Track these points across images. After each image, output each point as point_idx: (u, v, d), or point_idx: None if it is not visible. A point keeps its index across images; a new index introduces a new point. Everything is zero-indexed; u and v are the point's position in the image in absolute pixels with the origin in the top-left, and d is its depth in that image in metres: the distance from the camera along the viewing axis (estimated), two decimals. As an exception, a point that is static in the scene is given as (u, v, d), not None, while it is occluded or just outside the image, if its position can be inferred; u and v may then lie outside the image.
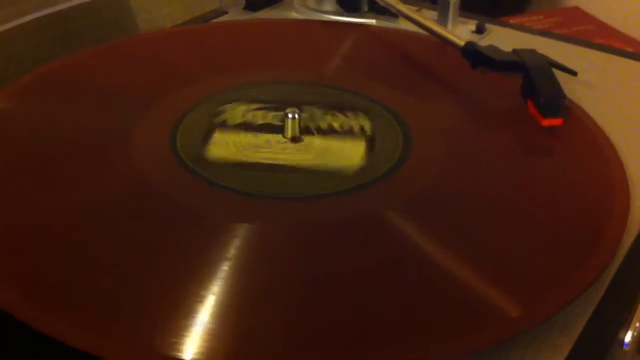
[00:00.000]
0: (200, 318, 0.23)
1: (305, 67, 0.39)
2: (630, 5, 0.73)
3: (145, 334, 0.22)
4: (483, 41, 0.44)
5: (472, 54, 0.35)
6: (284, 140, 0.32)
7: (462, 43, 0.36)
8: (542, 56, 0.34)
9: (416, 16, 0.40)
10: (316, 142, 0.32)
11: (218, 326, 0.22)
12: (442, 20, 0.45)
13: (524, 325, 0.23)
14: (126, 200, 0.28)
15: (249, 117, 0.34)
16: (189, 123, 0.33)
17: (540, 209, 0.29)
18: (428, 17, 0.43)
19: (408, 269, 0.25)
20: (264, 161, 0.31)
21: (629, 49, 0.59)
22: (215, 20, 0.47)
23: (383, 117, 0.33)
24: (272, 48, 0.41)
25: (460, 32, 0.45)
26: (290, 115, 0.32)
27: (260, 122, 0.33)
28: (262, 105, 0.34)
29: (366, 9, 0.47)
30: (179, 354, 0.21)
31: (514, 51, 0.35)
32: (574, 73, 0.35)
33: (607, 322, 0.26)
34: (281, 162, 0.30)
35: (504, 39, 0.45)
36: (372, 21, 0.46)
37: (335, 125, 0.32)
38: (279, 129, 0.32)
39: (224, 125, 0.33)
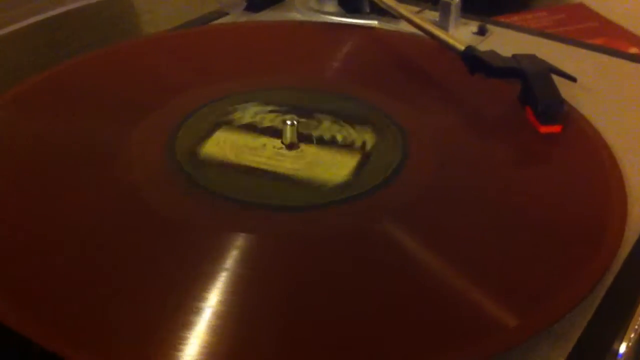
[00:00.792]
0: (197, 329, 0.23)
1: (320, 73, 0.39)
2: (635, 2, 0.73)
3: (142, 346, 0.23)
4: (485, 43, 0.44)
5: (471, 60, 0.35)
6: (281, 146, 0.32)
7: (462, 48, 0.36)
8: (542, 62, 0.34)
9: (416, 19, 0.40)
10: (310, 151, 0.32)
11: (214, 338, 0.23)
12: (444, 22, 0.45)
13: (517, 338, 0.23)
14: (118, 207, 0.28)
15: (257, 118, 0.34)
16: (196, 120, 0.34)
17: (537, 218, 0.29)
18: (429, 19, 0.43)
19: (397, 279, 0.25)
20: (251, 164, 0.31)
21: (633, 48, 0.59)
22: (216, 21, 0.47)
23: (389, 132, 0.33)
24: (282, 51, 0.41)
25: (462, 33, 0.45)
26: (288, 122, 0.32)
27: (267, 125, 0.33)
28: (275, 108, 0.35)
29: (368, 10, 0.47)
30: None
31: (514, 56, 0.35)
32: (573, 79, 0.35)
33: (602, 333, 0.26)
34: (267, 168, 0.31)
35: (505, 40, 0.45)
36: (374, 22, 0.46)
37: (338, 137, 0.32)
38: (280, 134, 0.32)
39: (229, 124, 0.33)
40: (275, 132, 0.33)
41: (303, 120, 0.33)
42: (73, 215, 0.28)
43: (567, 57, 0.41)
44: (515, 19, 0.68)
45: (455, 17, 0.45)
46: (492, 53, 0.35)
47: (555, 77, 0.34)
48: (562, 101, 0.32)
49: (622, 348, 0.26)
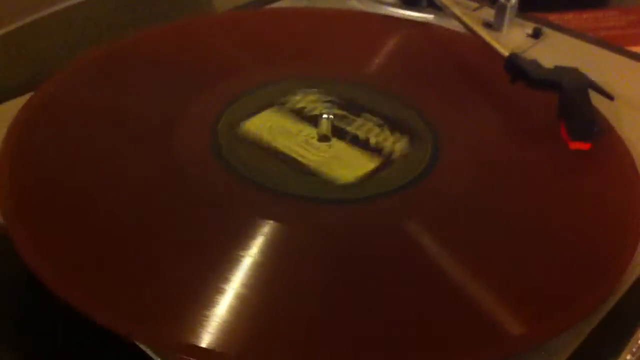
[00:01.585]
0: (220, 309, 0.25)
1: (381, 70, 0.40)
2: None
3: (169, 320, 0.25)
4: (537, 47, 0.44)
5: (513, 68, 0.36)
6: (314, 136, 0.33)
7: (506, 54, 0.37)
8: (583, 77, 0.35)
9: (466, 18, 0.40)
10: (338, 146, 0.33)
11: (235, 317, 0.25)
12: (499, 22, 0.45)
13: (522, 344, 0.25)
14: (161, 185, 0.30)
15: (309, 106, 0.35)
16: (254, 98, 0.36)
17: (558, 231, 0.29)
18: (483, 18, 0.43)
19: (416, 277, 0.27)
20: (279, 148, 0.32)
21: None
22: (275, 4, 0.48)
23: (424, 143, 0.34)
24: (347, 41, 0.42)
25: (515, 35, 0.45)
26: (325, 116, 0.34)
27: (314, 113, 0.35)
28: (330, 99, 0.36)
29: (425, 3, 0.48)
30: (197, 341, 0.24)
31: (556, 68, 0.36)
32: (611, 98, 0.35)
33: (597, 352, 0.27)
34: (291, 154, 0.32)
35: (558, 45, 0.45)
36: (431, 17, 0.47)
37: (372, 139, 0.33)
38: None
39: (281, 106, 0.35)
40: (316, 122, 0.34)
41: (350, 116, 0.35)
42: (115, 184, 0.30)
43: (620, 69, 0.41)
44: (585, 16, 0.67)
45: (510, 18, 0.45)
46: (535, 63, 0.36)
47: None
48: (594, 122, 0.32)
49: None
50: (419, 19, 0.47)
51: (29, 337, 0.28)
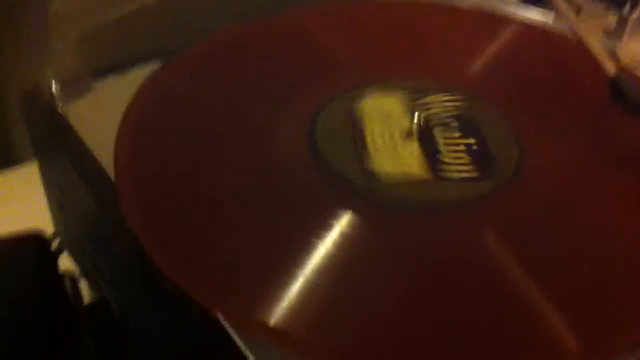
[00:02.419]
0: (292, 291, 0.27)
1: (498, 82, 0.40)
2: None
3: (247, 298, 0.28)
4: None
5: (615, 87, 0.36)
6: (402, 128, 0.35)
7: (612, 71, 0.37)
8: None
9: (579, 26, 0.40)
10: (411, 146, 0.34)
11: (307, 299, 0.27)
12: (618, 33, 0.44)
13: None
14: (255, 175, 0.33)
15: (435, 108, 0.36)
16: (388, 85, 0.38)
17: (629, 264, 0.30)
18: (602, 26, 0.43)
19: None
20: (364, 129, 0.34)
21: None
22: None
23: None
24: (471, 44, 0.43)
25: (635, 47, 0.44)
26: (416, 113, 0.35)
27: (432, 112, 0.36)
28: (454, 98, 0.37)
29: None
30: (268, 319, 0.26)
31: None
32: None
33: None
34: (368, 139, 0.34)
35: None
36: (549, 19, 0.46)
37: (444, 158, 0.34)
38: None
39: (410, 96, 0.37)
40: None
41: (452, 131, 0.35)
42: (217, 174, 0.33)
43: None
44: None
45: (631, 30, 0.44)
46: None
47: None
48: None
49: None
50: (540, 17, 0.46)
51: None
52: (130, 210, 0.31)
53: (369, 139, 0.34)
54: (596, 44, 0.38)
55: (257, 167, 0.33)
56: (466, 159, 0.33)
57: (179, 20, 0.43)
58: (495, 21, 0.45)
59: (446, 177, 0.32)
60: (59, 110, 0.39)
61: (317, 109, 0.36)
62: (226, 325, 0.28)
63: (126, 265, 0.34)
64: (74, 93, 0.40)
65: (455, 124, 0.35)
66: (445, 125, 0.35)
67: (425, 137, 0.35)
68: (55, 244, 0.42)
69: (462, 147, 0.34)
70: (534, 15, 0.47)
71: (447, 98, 0.37)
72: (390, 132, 0.35)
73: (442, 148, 0.34)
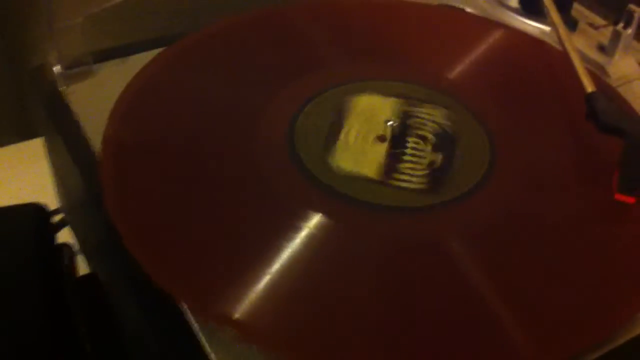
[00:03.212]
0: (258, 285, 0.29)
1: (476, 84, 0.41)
2: None
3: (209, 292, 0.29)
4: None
5: (589, 105, 0.36)
6: (379, 129, 0.36)
7: (589, 90, 0.37)
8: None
9: (566, 41, 0.40)
10: (379, 148, 0.36)
11: (268, 294, 0.29)
12: (612, 48, 0.44)
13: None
14: (234, 171, 0.35)
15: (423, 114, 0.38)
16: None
17: (585, 271, 0.31)
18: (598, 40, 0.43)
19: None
20: (347, 126, 0.36)
21: None
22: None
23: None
24: (439, 40, 0.44)
25: (626, 64, 0.44)
26: (390, 122, 0.36)
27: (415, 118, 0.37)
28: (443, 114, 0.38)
29: (547, 14, 0.47)
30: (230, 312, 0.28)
31: (632, 116, 0.35)
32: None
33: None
34: (343, 135, 0.36)
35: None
36: (547, 29, 0.47)
37: (408, 152, 0.36)
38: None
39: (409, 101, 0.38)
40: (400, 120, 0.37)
41: (424, 142, 0.36)
42: (196, 166, 0.35)
43: None
44: None
45: (624, 45, 0.44)
46: (613, 107, 0.36)
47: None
48: (638, 183, 0.33)
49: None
50: (537, 29, 0.47)
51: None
52: (108, 190, 0.32)
53: (343, 134, 0.36)
54: (578, 60, 0.39)
55: (236, 153, 0.35)
56: (423, 172, 0.35)
57: (180, 9, 0.45)
58: (492, 29, 0.46)
59: (393, 184, 0.34)
60: (60, 90, 0.41)
61: (306, 100, 0.38)
62: (187, 313, 0.29)
63: (102, 242, 0.36)
64: (75, 75, 0.42)
65: (432, 138, 0.36)
66: (423, 138, 0.36)
67: (398, 144, 0.36)
68: (57, 218, 0.44)
69: (425, 161, 0.35)
70: (535, 24, 0.47)
71: (436, 112, 0.38)
72: (367, 131, 0.36)
73: (407, 157, 0.35)
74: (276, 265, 0.30)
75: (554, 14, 0.42)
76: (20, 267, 0.37)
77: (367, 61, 0.42)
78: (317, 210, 0.32)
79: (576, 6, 0.49)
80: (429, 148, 0.36)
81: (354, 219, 0.32)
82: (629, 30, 0.43)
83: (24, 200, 0.40)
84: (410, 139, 0.36)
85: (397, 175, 0.34)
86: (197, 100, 0.39)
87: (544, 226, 0.33)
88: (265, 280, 0.29)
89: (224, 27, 0.43)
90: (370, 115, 0.37)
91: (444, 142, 0.36)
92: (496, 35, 0.45)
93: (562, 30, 0.41)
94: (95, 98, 0.40)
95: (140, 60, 0.42)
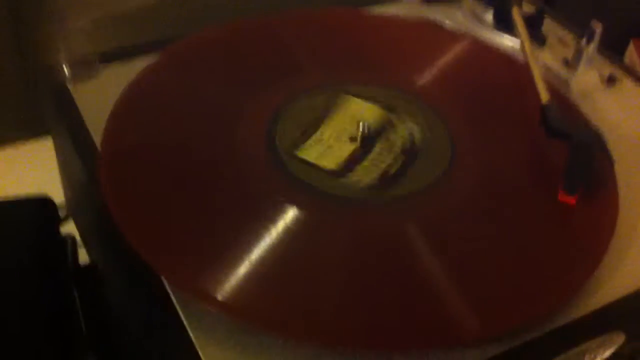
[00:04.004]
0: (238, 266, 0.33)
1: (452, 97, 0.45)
2: None
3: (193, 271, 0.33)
4: (607, 93, 0.47)
5: (543, 115, 0.40)
6: (353, 132, 0.40)
7: (544, 100, 0.41)
8: (597, 137, 0.38)
9: (529, 52, 0.44)
10: (348, 146, 0.40)
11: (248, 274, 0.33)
12: (575, 63, 0.48)
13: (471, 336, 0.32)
14: (218, 166, 0.39)
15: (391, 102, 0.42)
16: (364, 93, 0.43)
17: (528, 257, 0.35)
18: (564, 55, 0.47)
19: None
20: (322, 124, 0.40)
21: None
22: (384, 6, 0.54)
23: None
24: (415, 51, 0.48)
25: (590, 78, 0.48)
26: (361, 125, 0.40)
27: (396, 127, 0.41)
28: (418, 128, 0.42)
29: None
30: (211, 292, 0.32)
31: (578, 124, 0.39)
32: (611, 162, 0.38)
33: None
34: (315, 130, 0.40)
35: (628, 97, 0.47)
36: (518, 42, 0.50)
37: (376, 152, 0.40)
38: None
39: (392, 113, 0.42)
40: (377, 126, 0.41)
41: (398, 149, 0.40)
42: (185, 157, 0.39)
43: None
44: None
45: (587, 61, 0.48)
46: (563, 117, 0.39)
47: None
48: (582, 185, 0.36)
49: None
50: (510, 43, 0.51)
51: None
52: (105, 176, 0.37)
53: (320, 131, 0.40)
54: (537, 72, 0.42)
55: (220, 140, 0.39)
56: (377, 174, 0.38)
57: (181, 15, 0.49)
58: (467, 43, 0.50)
59: (345, 179, 0.38)
60: (67, 88, 0.45)
61: (292, 96, 0.42)
62: (168, 288, 0.33)
63: (97, 226, 0.40)
64: (82, 75, 0.46)
65: (398, 149, 0.40)
66: (390, 146, 0.40)
67: (367, 146, 0.40)
68: (63, 211, 0.48)
69: (382, 165, 0.39)
70: (508, 39, 0.51)
71: (411, 121, 0.42)
72: (341, 131, 0.40)
73: (368, 158, 0.39)
74: (243, 243, 0.34)
75: (521, 30, 0.46)
76: (27, 254, 0.41)
77: (356, 69, 0.46)
78: (278, 193, 0.36)
79: (550, 22, 0.52)
80: (391, 155, 0.39)
81: (309, 204, 0.36)
82: (591, 46, 0.47)
83: (32, 192, 0.44)
84: (378, 144, 0.40)
85: (351, 173, 0.38)
86: (188, 98, 0.43)
87: (491, 222, 0.37)
88: (232, 257, 0.33)
89: (220, 32, 0.47)
90: (352, 117, 0.41)
91: (409, 152, 0.40)
92: (469, 49, 0.49)
93: (527, 44, 0.45)
94: (99, 96, 0.44)
95: (141, 62, 0.46)
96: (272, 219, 0.35)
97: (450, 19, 0.53)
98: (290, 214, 0.35)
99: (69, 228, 0.47)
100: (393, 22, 0.51)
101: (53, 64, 0.46)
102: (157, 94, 0.43)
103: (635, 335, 0.34)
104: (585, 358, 0.33)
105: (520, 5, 0.49)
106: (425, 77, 0.46)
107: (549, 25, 0.52)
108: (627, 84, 0.48)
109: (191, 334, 0.32)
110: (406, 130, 0.41)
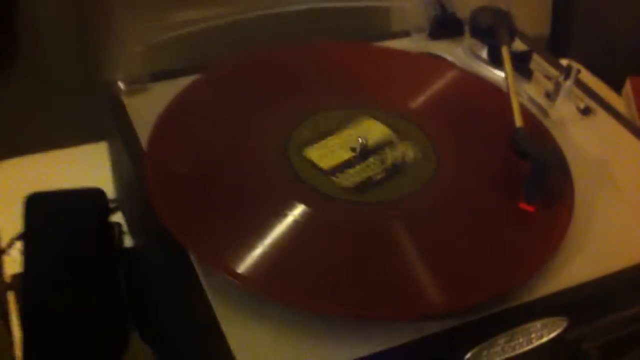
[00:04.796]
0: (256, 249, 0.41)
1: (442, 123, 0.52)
2: None
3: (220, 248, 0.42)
4: (583, 123, 0.54)
5: (514, 138, 0.47)
6: (356, 143, 0.48)
7: (517, 125, 0.48)
8: (556, 158, 0.46)
9: (511, 82, 0.52)
10: (346, 154, 0.48)
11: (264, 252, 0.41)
12: (553, 96, 0.55)
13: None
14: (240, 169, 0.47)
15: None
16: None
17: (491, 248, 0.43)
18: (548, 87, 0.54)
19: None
20: (336, 133, 0.49)
21: None
22: (395, 40, 0.62)
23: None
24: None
25: (567, 108, 0.55)
26: (360, 139, 0.48)
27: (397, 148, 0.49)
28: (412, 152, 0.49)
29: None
30: (231, 265, 0.40)
31: (545, 147, 0.47)
32: (569, 179, 0.46)
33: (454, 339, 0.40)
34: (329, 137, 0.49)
35: (600, 128, 0.54)
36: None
37: (371, 164, 0.47)
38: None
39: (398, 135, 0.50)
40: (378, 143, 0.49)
41: (388, 165, 0.47)
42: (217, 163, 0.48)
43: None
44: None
45: (565, 94, 0.55)
46: (529, 138, 0.47)
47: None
48: (537, 197, 0.43)
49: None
50: (502, 76, 0.58)
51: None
52: (149, 175, 0.45)
53: (329, 137, 0.48)
54: (516, 102, 0.50)
55: (249, 142, 0.48)
56: (360, 180, 0.46)
57: (223, 41, 0.57)
58: (462, 76, 0.58)
59: (333, 179, 0.46)
60: (122, 101, 0.54)
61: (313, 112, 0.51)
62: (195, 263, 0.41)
63: (141, 216, 0.49)
64: (134, 90, 0.55)
65: (389, 164, 0.47)
66: (383, 160, 0.48)
67: (363, 156, 0.48)
68: (112, 204, 0.57)
69: (366, 174, 0.47)
70: (498, 75, 0.59)
71: (410, 147, 0.49)
72: (347, 142, 0.48)
73: (359, 166, 0.47)
74: (259, 226, 0.43)
75: (507, 65, 0.54)
76: (85, 233, 0.50)
77: (370, 94, 0.54)
78: (280, 187, 0.45)
79: (538, 59, 0.60)
80: (380, 167, 0.47)
81: (304, 197, 0.44)
82: (568, 81, 0.54)
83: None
84: (372, 157, 0.48)
85: (339, 174, 0.46)
86: (224, 111, 0.52)
87: (460, 223, 0.44)
88: (251, 239, 0.42)
89: (241, 61, 0.56)
90: (360, 133, 0.49)
91: (397, 167, 0.47)
92: (464, 80, 0.57)
93: (510, 78, 0.53)
94: (148, 108, 0.52)
95: (184, 80, 0.54)
96: (274, 210, 0.43)
97: (452, 54, 0.61)
98: (288, 205, 0.44)
99: (117, 218, 0.56)
100: (401, 56, 0.60)
101: (112, 80, 0.55)
102: (197, 108, 0.52)
103: (576, 322, 0.42)
104: (532, 336, 0.40)
105: (509, 45, 0.56)
106: (426, 108, 0.54)
107: (539, 62, 0.60)
108: (600, 115, 0.55)
109: (214, 308, 0.40)
110: (402, 149, 0.49)
